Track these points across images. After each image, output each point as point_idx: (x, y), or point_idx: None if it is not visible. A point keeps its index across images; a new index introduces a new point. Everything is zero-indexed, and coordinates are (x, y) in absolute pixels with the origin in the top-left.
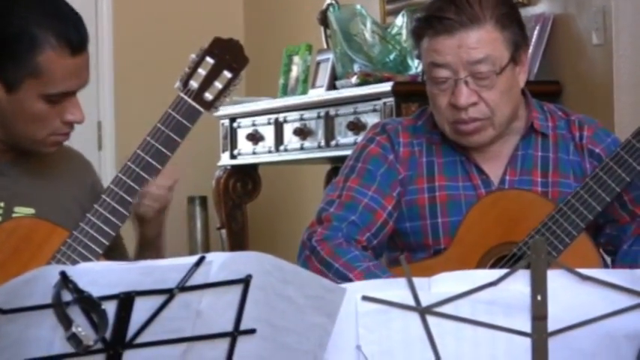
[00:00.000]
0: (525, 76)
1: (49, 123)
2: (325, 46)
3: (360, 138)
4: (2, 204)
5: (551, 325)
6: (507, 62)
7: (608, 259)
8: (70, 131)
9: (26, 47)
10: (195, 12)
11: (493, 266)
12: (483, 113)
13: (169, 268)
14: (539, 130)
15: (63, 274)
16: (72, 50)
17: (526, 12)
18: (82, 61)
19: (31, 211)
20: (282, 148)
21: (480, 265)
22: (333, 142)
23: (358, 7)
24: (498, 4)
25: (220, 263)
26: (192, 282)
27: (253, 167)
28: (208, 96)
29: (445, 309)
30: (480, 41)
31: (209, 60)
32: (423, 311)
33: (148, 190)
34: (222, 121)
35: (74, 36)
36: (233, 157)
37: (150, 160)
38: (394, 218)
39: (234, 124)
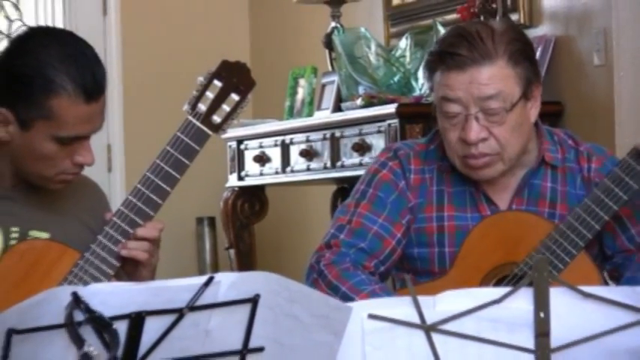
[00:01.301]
0: (537, 111)
1: (58, 163)
2: (330, 69)
3: (365, 159)
4: (17, 229)
5: (554, 341)
6: (519, 99)
7: (613, 285)
8: (79, 171)
9: (40, 89)
10: (202, 35)
11: (495, 286)
12: (493, 149)
13: (179, 289)
14: (549, 162)
15: (75, 295)
16: (86, 97)
17: (528, 33)
18: (96, 108)
19: (45, 235)
20: (288, 169)
21: (482, 285)
22: (338, 163)
23: (362, 30)
24: (512, 40)
25: (229, 283)
26: (201, 302)
27: (260, 188)
28: (216, 119)
29: (450, 326)
30: (491, 78)
31: (217, 83)
32: (428, 329)
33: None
34: (229, 143)
35: (90, 83)
36: (240, 178)
37: (159, 182)
38: (402, 245)
39: (242, 146)
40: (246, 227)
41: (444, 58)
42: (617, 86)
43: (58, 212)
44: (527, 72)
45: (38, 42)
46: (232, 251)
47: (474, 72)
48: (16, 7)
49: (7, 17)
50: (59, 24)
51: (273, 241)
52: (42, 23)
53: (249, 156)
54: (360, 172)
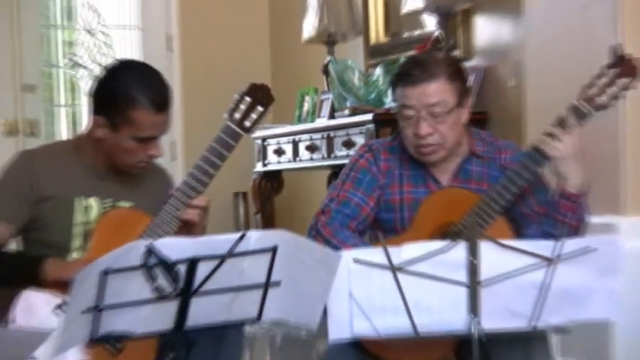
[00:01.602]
0: (467, 116)
1: (136, 155)
2: (326, 89)
3: (351, 153)
4: (110, 200)
5: (482, 277)
6: (454, 105)
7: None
8: (151, 161)
9: (125, 104)
10: (238, 64)
11: (441, 240)
12: (437, 140)
13: (222, 241)
14: (477, 153)
15: (149, 246)
16: (157, 110)
17: (465, 64)
18: (164, 117)
19: (128, 204)
20: (297, 159)
21: (432, 239)
22: (332, 155)
23: (349, 62)
24: (449, 65)
25: (256, 238)
26: (237, 250)
27: (278, 172)
28: (247, 123)
29: (409, 268)
30: (435, 90)
31: (247, 99)
32: (395, 269)
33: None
34: (256, 141)
35: (159, 100)
36: (264, 165)
37: (207, 168)
38: (374, 212)
39: (265, 143)
40: (268, 199)
41: (403, 77)
42: (525, 101)
43: (137, 189)
44: (460, 88)
45: (123, 70)
46: (259, 216)
47: (423, 87)
48: (108, 45)
49: (102, 52)
50: (138, 57)
51: (287, 209)
52: (126, 56)
53: (270, 150)
54: (347, 161)
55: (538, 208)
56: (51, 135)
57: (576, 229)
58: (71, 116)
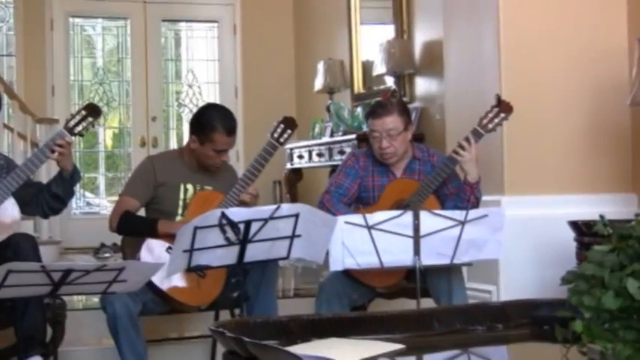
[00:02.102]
0: (410, 135)
1: (214, 160)
2: (328, 119)
3: (343, 157)
4: (200, 185)
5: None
6: (402, 130)
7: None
8: (222, 163)
9: (209, 129)
10: (274, 105)
11: (396, 209)
12: (392, 151)
13: (266, 210)
14: (417, 157)
15: (222, 213)
16: (228, 134)
17: (410, 105)
18: (233, 138)
19: (210, 188)
20: (311, 161)
21: (392, 209)
22: (331, 159)
23: (342, 103)
24: (399, 105)
25: (286, 208)
26: (275, 215)
27: (299, 169)
28: (282, 140)
29: (378, 227)
30: (391, 121)
31: (281, 125)
32: (369, 228)
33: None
34: (287, 150)
35: (230, 128)
36: (291, 164)
37: (257, 166)
38: (357, 192)
39: (292, 151)
40: (293, 185)
41: (372, 113)
42: (445, 127)
43: (215, 179)
44: (406, 119)
45: (208, 109)
46: (288, 195)
47: (383, 119)
48: (199, 93)
49: (196, 98)
50: (217, 101)
51: (304, 190)
52: (210, 101)
53: (294, 155)
54: (340, 162)
55: (453, 190)
56: (165, 146)
57: (475, 203)
58: (177, 136)
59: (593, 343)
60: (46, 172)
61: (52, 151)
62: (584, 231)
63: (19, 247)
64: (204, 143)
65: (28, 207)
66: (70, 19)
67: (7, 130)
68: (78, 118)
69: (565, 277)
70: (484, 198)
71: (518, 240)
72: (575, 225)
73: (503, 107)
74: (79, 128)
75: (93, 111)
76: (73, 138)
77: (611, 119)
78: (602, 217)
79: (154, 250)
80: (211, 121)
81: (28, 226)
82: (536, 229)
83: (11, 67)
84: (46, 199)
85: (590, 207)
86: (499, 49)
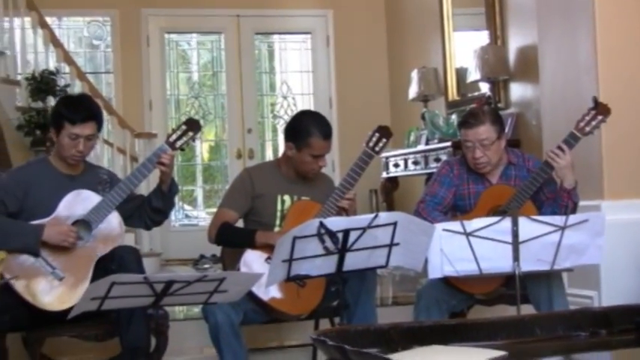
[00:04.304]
0: (504, 143)
1: (312, 166)
2: (424, 127)
3: (438, 165)
4: (297, 195)
5: (520, 239)
6: (495, 139)
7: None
8: (320, 170)
9: (305, 135)
10: (369, 115)
11: (493, 216)
12: (485, 160)
13: (364, 219)
14: (512, 162)
15: (320, 222)
16: (324, 138)
17: (503, 113)
18: (329, 142)
19: (307, 198)
20: (407, 169)
21: (488, 216)
22: (427, 167)
23: (436, 111)
24: (492, 114)
25: (384, 216)
26: (373, 223)
27: (395, 177)
28: (377, 148)
29: (476, 233)
30: (484, 131)
31: (377, 134)
32: (467, 234)
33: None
34: (382, 159)
35: (326, 132)
36: (387, 173)
37: (354, 175)
38: (452, 201)
39: (387, 159)
40: (389, 193)
41: (464, 123)
42: (542, 132)
43: (312, 188)
44: (499, 128)
45: (304, 115)
46: (384, 204)
47: (475, 129)
48: (294, 104)
49: (290, 109)
50: (312, 108)
51: (401, 198)
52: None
53: (390, 163)
54: (435, 170)
55: (549, 195)
56: (262, 158)
57: (573, 209)
58: (273, 147)
59: None
60: (146, 185)
61: (156, 166)
62: None
63: (123, 260)
64: (302, 149)
65: (130, 220)
66: (166, 35)
67: (107, 146)
68: (179, 133)
69: None
70: (583, 203)
71: (619, 245)
72: None
73: (600, 109)
74: (180, 143)
75: (193, 125)
76: (174, 152)
77: None
78: None
79: (252, 261)
80: (307, 127)
81: (129, 239)
82: (638, 233)
83: (109, 83)
84: (147, 212)
85: None
86: (596, 52)
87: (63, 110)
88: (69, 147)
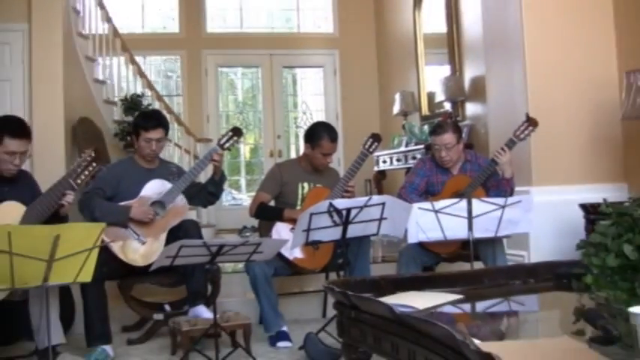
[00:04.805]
0: (462, 146)
1: (322, 161)
2: (404, 134)
3: (415, 162)
4: (312, 183)
5: (474, 214)
6: (456, 143)
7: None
8: (328, 164)
9: (318, 137)
10: (361, 125)
11: (455, 197)
12: (449, 158)
13: (361, 200)
14: (468, 160)
15: (330, 203)
16: (331, 141)
17: (462, 124)
18: (335, 145)
19: (320, 185)
20: (392, 164)
21: (451, 198)
22: (407, 163)
23: (413, 123)
24: (454, 125)
25: (376, 198)
26: (368, 203)
27: (384, 171)
28: (371, 150)
29: (442, 211)
30: (448, 137)
31: (371, 139)
32: (436, 211)
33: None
34: (375, 157)
35: (333, 136)
36: (378, 167)
37: (354, 170)
38: (424, 186)
39: (378, 158)
40: (380, 182)
41: (433, 131)
42: (488, 138)
43: (324, 178)
44: (458, 135)
45: (317, 124)
46: (375, 190)
47: (441, 136)
48: (311, 118)
49: (309, 121)
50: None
51: (388, 186)
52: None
53: (380, 160)
54: (412, 165)
55: (494, 183)
56: (287, 156)
57: (510, 192)
58: (295, 149)
59: (600, 291)
60: (204, 175)
61: (210, 162)
62: (591, 211)
63: (188, 230)
64: (315, 148)
65: (192, 200)
66: (219, 69)
67: (177, 148)
68: (226, 137)
69: (579, 244)
70: (517, 188)
71: (543, 218)
72: (584, 207)
73: (531, 122)
74: (228, 145)
75: (237, 132)
76: (223, 152)
77: (608, 129)
78: (605, 200)
79: (281, 230)
80: (319, 132)
81: (192, 214)
82: (556, 210)
83: (179, 103)
84: (204, 195)
85: (594, 193)
86: (526, 79)
87: (139, 121)
88: (145, 148)
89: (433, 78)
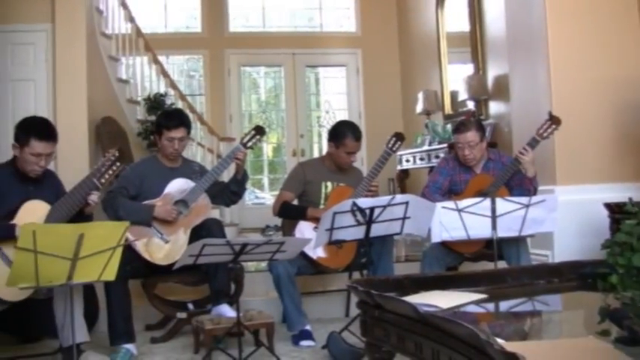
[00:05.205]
0: (485, 144)
1: (346, 160)
2: (427, 133)
3: (438, 161)
4: (336, 183)
5: (497, 213)
6: (479, 141)
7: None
8: (352, 163)
9: (342, 136)
10: (383, 126)
11: (478, 196)
12: (472, 156)
13: (385, 199)
14: (491, 158)
15: (353, 202)
16: (355, 140)
17: (485, 122)
18: (359, 143)
19: (343, 184)
20: (415, 163)
21: (474, 197)
22: (430, 162)
23: (437, 122)
24: (477, 123)
25: (400, 197)
26: (391, 202)
27: (407, 170)
28: (394, 149)
29: (466, 210)
30: (471, 136)
31: (394, 138)
32: (459, 210)
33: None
34: (398, 156)
35: (357, 135)
36: (401, 166)
37: (377, 169)
38: (448, 185)
39: (402, 157)
40: (403, 181)
41: (457, 129)
42: (512, 137)
43: (347, 177)
44: (482, 132)
45: (341, 123)
46: (399, 189)
47: (465, 134)
48: (334, 117)
49: (332, 121)
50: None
51: (411, 185)
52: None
53: (403, 159)
54: (436, 164)
55: (517, 182)
56: (310, 155)
57: (534, 192)
58: (318, 148)
59: (625, 291)
60: (227, 174)
61: (233, 160)
62: (615, 210)
63: (211, 228)
64: (339, 147)
65: (215, 199)
66: (242, 68)
67: (200, 147)
68: (249, 136)
69: (604, 244)
70: (541, 187)
71: (567, 218)
72: (608, 206)
73: (554, 120)
74: (250, 143)
75: (260, 131)
76: (246, 150)
77: (633, 128)
78: (630, 199)
79: (304, 229)
80: (344, 131)
81: (215, 213)
82: (580, 209)
83: (202, 103)
84: (227, 194)
85: (618, 192)
86: (550, 78)
87: (161, 120)
88: (167, 147)
89: (456, 77)
